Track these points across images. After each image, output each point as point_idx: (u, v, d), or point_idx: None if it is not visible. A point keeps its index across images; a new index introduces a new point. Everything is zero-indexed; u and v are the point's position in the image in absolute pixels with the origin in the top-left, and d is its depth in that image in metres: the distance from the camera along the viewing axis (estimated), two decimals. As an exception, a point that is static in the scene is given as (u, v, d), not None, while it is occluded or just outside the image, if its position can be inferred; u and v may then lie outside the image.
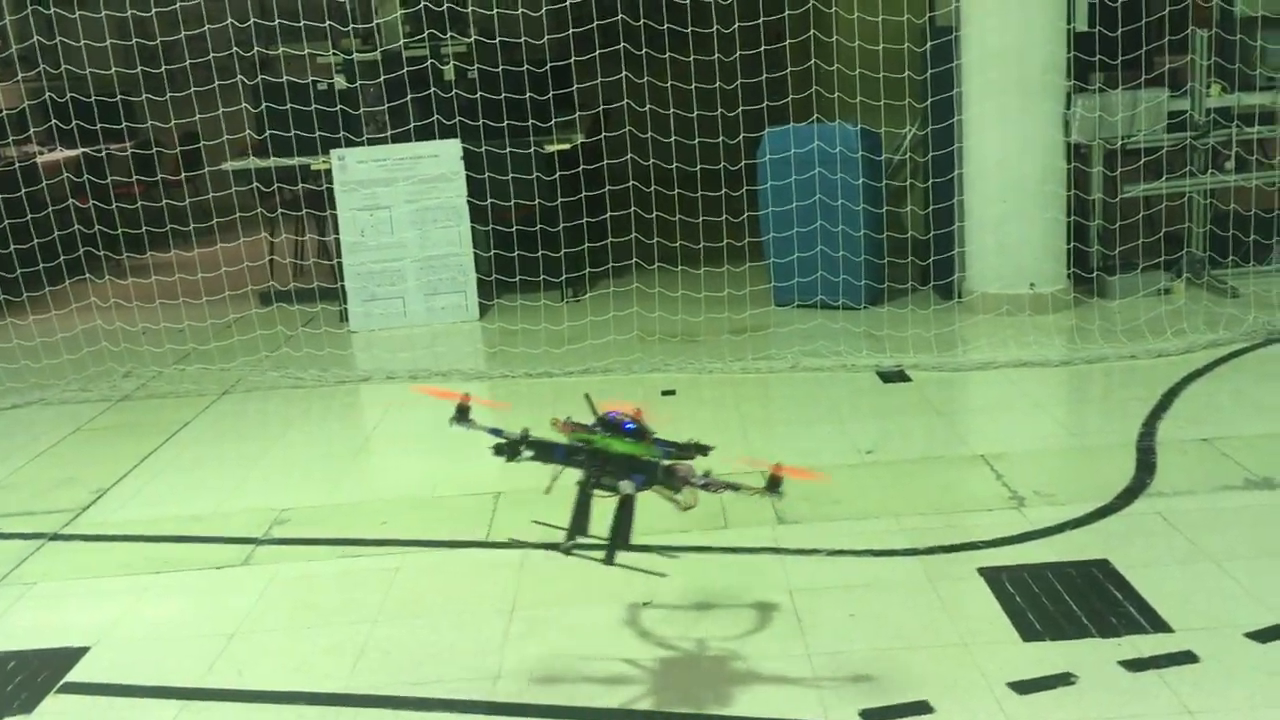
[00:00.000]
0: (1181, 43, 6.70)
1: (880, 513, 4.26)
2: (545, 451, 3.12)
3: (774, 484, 2.99)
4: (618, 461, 3.06)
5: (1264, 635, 3.19)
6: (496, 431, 3.15)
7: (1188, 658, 3.12)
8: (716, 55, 6.62)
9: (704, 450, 3.18)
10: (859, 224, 6.75)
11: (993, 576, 3.66)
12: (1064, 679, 3.07)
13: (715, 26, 6.58)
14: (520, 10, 6.71)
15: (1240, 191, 7.07)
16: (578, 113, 7.37)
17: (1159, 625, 3.30)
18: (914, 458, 4.79)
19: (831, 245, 6.80)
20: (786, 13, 6.58)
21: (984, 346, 6.12)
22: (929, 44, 6.80)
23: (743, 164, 6.83)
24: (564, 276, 7.24)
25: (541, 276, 7.22)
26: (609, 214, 7.08)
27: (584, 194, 7.02)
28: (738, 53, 6.59)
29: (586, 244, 7.03)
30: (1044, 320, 6.48)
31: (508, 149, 7.14)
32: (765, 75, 6.57)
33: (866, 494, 4.46)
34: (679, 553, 4.05)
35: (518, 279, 7.20)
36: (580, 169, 7.10)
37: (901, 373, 5.85)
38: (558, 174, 7.20)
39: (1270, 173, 6.95)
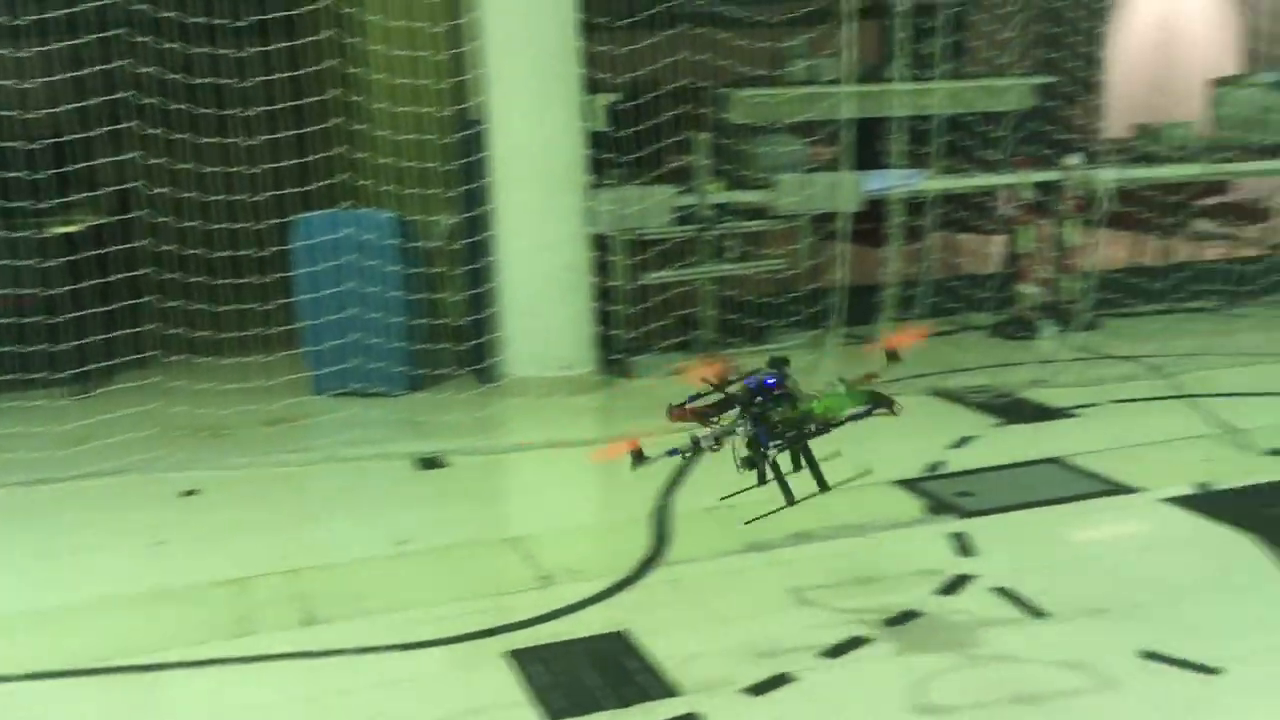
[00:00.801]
0: (685, 144, 7.37)
1: (412, 604, 4.21)
2: (756, 443, 3.38)
3: (893, 357, 3.35)
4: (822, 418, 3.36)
5: (757, 689, 3.48)
6: (673, 452, 3.40)
7: (691, 719, 3.33)
8: (239, 138, 6.40)
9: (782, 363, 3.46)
10: (395, 310, 6.75)
11: (520, 659, 3.72)
12: (581, 754, 3.17)
13: (237, 109, 6.37)
14: (8, 81, 6.09)
15: (741, 279, 7.84)
16: (82, 193, 6.77)
17: (668, 690, 3.49)
18: (448, 545, 4.79)
19: (368, 332, 6.73)
20: (311, 99, 6.49)
21: (520, 429, 6.29)
22: (458, 135, 6.98)
23: (272, 250, 6.61)
24: (68, 371, 6.55)
25: (40, 373, 6.49)
26: (122, 303, 6.54)
27: (93, 281, 6.44)
28: (262, 136, 6.40)
29: (95, 335, 6.42)
30: (576, 401, 6.77)
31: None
32: (293, 160, 6.43)
33: (399, 586, 4.40)
34: (201, 666, 3.78)
35: (11, 377, 6.44)
36: (90, 253, 6.52)
37: (439, 459, 5.86)
38: (58, 259, 6.55)
39: (764, 263, 7.77)
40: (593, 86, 6.94)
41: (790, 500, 3.50)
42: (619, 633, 3.87)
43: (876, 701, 3.40)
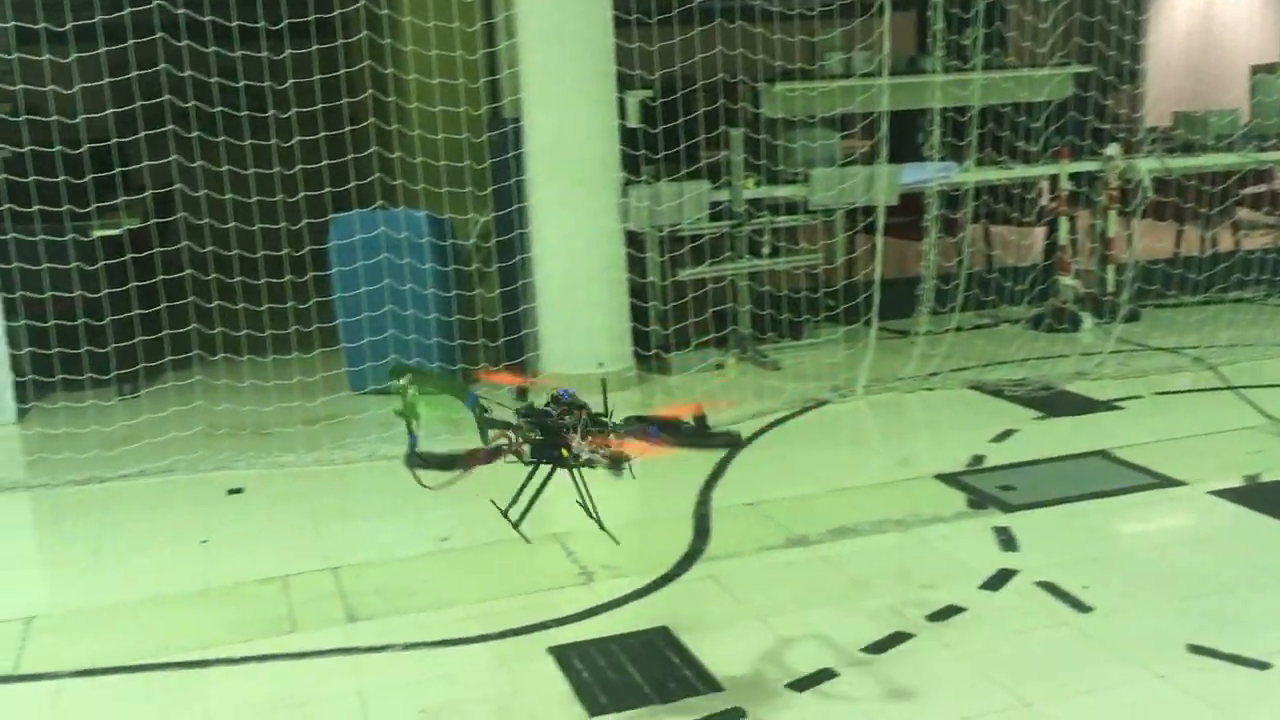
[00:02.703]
0: (718, 139, 7.35)
1: (455, 600, 4.23)
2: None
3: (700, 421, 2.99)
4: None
5: (800, 684, 3.47)
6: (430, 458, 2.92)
7: (737, 714, 3.32)
8: (276, 140, 6.45)
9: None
10: (429, 307, 6.78)
11: (561, 655, 3.73)
12: (626, 750, 3.17)
13: (273, 111, 6.42)
14: (53, 87, 6.18)
15: (776, 274, 7.83)
16: (125, 196, 6.86)
17: (712, 685, 3.49)
18: (489, 542, 4.80)
19: (403, 329, 6.77)
20: (346, 100, 6.54)
21: (556, 425, 6.29)
22: (491, 133, 7.01)
23: (308, 249, 6.66)
24: (114, 372, 6.65)
25: (87, 374, 6.58)
26: (165, 304, 6.63)
27: (136, 283, 6.54)
28: (298, 138, 6.45)
29: (140, 336, 6.52)
30: (611, 398, 6.76)
31: (39, 236, 6.50)
32: (328, 161, 6.48)
33: (442, 582, 4.42)
34: (247, 662, 3.82)
35: (58, 378, 6.53)
36: (131, 256, 6.61)
37: (479, 456, 5.88)
38: (102, 262, 6.64)
39: (799, 257, 7.75)
40: (626, 83, 6.94)
41: (516, 523, 3.15)
42: (660, 629, 3.88)
43: (921, 696, 3.38)
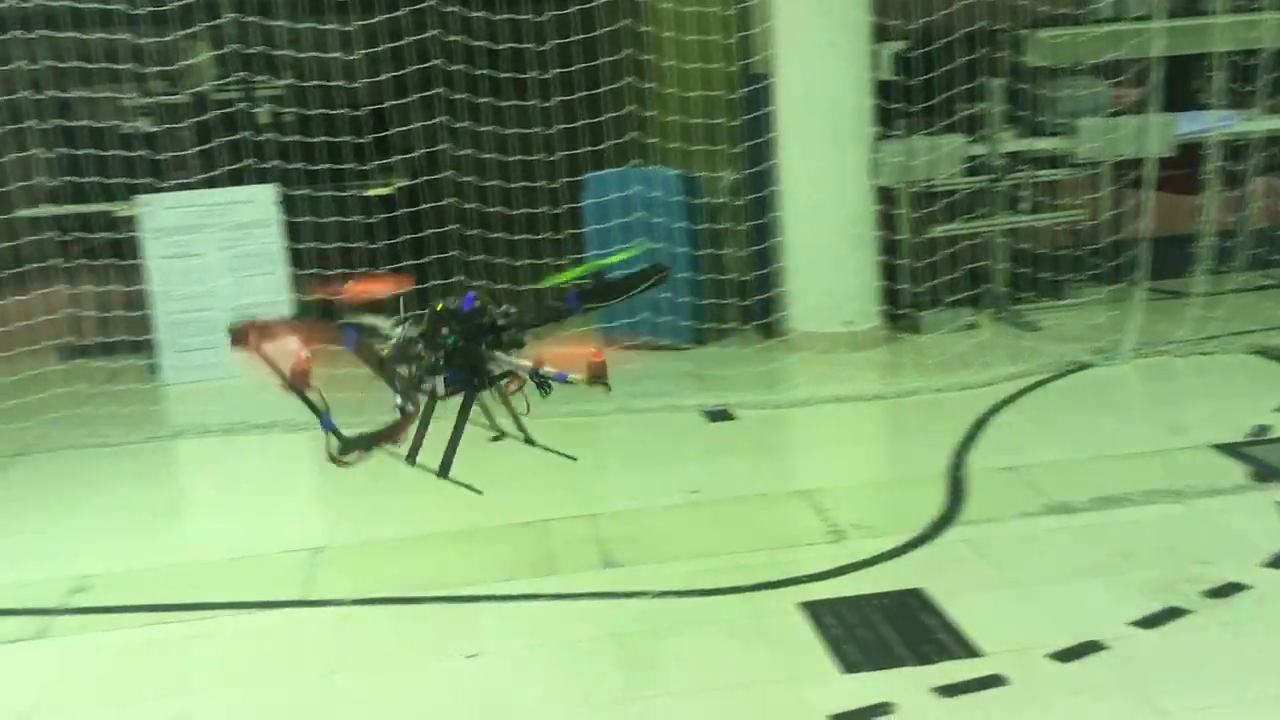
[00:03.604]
0: (975, 91, 7.07)
1: (706, 552, 4.30)
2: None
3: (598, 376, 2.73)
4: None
5: (1065, 655, 3.34)
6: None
7: (997, 681, 3.25)
8: (536, 100, 6.66)
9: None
10: (681, 266, 6.86)
11: (813, 610, 3.74)
12: (882, 709, 3.15)
13: (533, 72, 6.62)
14: (335, 54, 6.59)
15: (1035, 231, 7.49)
16: (397, 156, 7.26)
17: (970, 650, 3.42)
18: (739, 496, 4.86)
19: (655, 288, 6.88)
20: (604, 59, 6.66)
21: (804, 383, 6.27)
22: (743, 90, 6.99)
23: (565, 207, 6.87)
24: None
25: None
26: (432, 257, 7.00)
27: (405, 237, 6.93)
28: (557, 98, 6.64)
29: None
30: (860, 356, 6.69)
31: (326, 193, 6.98)
32: (585, 120, 6.64)
33: (693, 534, 4.50)
34: (512, 600, 4.01)
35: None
36: (400, 212, 7.01)
37: (726, 412, 5.94)
38: (377, 217, 7.07)
39: (1061, 213, 7.39)
40: (881, 34, 6.77)
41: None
42: (915, 590, 3.82)
43: (1197, 675, 3.20)
